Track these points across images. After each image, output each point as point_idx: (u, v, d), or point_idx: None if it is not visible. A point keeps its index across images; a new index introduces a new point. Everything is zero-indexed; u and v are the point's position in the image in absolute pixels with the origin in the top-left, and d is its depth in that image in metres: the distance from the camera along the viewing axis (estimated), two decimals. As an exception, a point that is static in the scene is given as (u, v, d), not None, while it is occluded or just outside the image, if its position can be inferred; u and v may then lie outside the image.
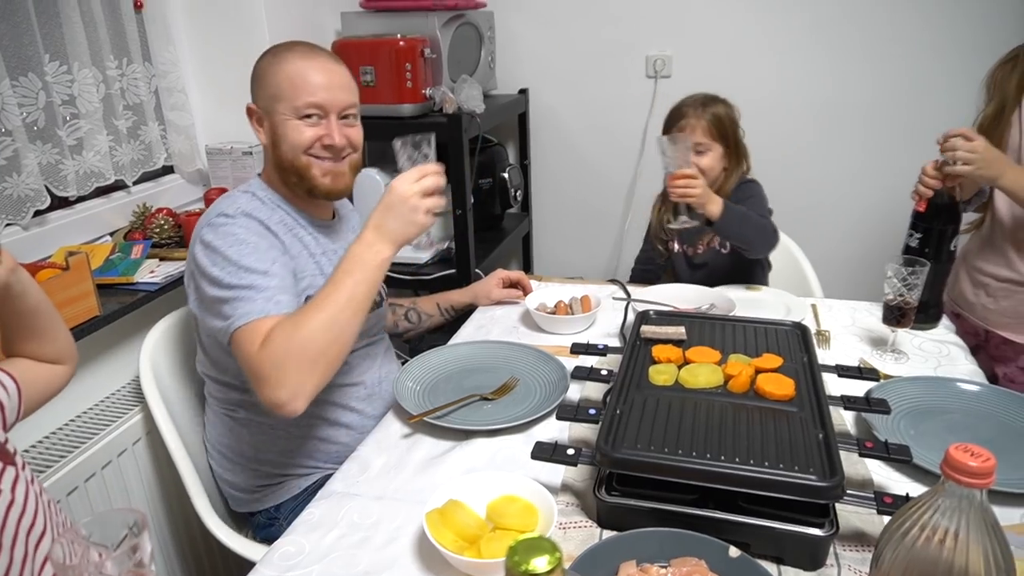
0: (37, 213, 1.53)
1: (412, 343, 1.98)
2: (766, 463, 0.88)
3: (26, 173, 1.48)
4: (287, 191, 1.32)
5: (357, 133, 1.32)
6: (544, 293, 1.63)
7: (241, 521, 1.45)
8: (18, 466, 0.72)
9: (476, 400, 1.25)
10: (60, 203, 1.63)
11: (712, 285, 1.64)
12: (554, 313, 1.54)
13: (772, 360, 1.12)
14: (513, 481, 0.97)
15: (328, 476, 1.24)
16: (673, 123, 1.70)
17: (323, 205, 1.37)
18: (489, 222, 2.43)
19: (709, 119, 1.66)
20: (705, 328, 1.27)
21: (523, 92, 2.59)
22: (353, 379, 1.37)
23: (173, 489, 1.56)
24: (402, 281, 2.10)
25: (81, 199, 1.68)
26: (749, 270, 1.76)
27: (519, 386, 1.29)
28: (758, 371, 1.10)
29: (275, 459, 1.34)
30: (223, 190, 1.81)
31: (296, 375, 1.08)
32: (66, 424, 1.44)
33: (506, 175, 2.38)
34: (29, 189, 1.49)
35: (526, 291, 1.69)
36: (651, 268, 1.93)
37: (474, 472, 1.06)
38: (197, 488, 1.36)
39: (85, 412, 1.48)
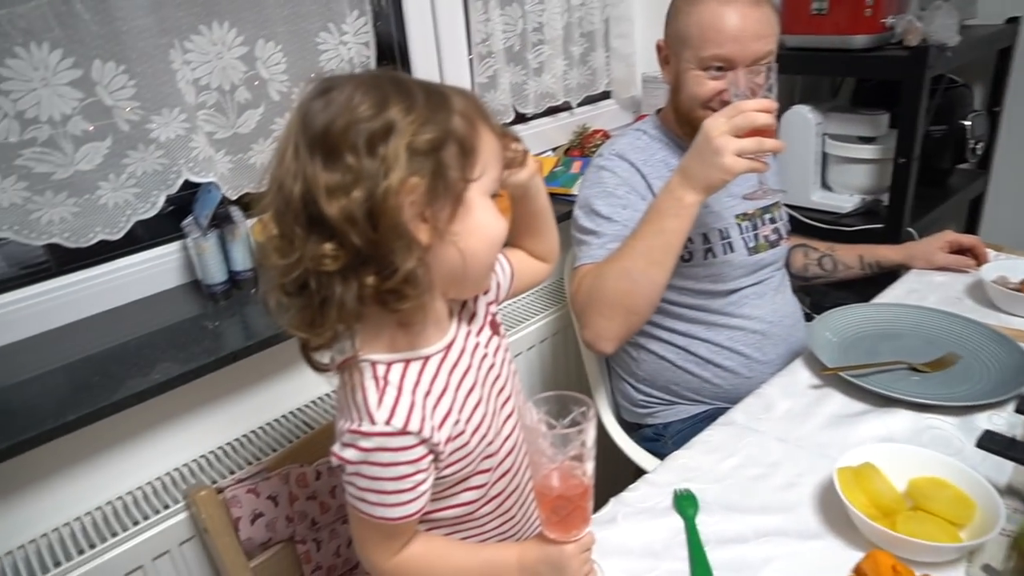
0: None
1: (813, 295, 1.85)
2: None
3: (500, 91, 1.72)
4: (680, 129, 1.30)
5: (768, 79, 1.22)
6: (1005, 265, 1.36)
7: (628, 430, 1.55)
8: (501, 335, 0.87)
9: (903, 368, 1.12)
10: (518, 119, 1.87)
11: None
12: (1018, 291, 1.28)
13: None
14: (946, 465, 0.86)
15: (718, 410, 1.24)
16: None
17: None
18: (933, 176, 2.09)
19: None
20: None
21: (1012, 21, 2.13)
22: (739, 322, 1.33)
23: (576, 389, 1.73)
24: (816, 229, 1.96)
25: (535, 116, 1.90)
26: None
27: (959, 363, 1.12)
28: None
29: (663, 386, 1.39)
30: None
31: (596, 319, 1.16)
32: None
33: (967, 123, 2.01)
34: (500, 104, 1.73)
35: (980, 260, 1.43)
36: None
37: (892, 443, 0.96)
38: (601, 396, 1.49)
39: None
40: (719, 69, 1.18)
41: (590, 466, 0.72)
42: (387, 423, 0.68)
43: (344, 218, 0.61)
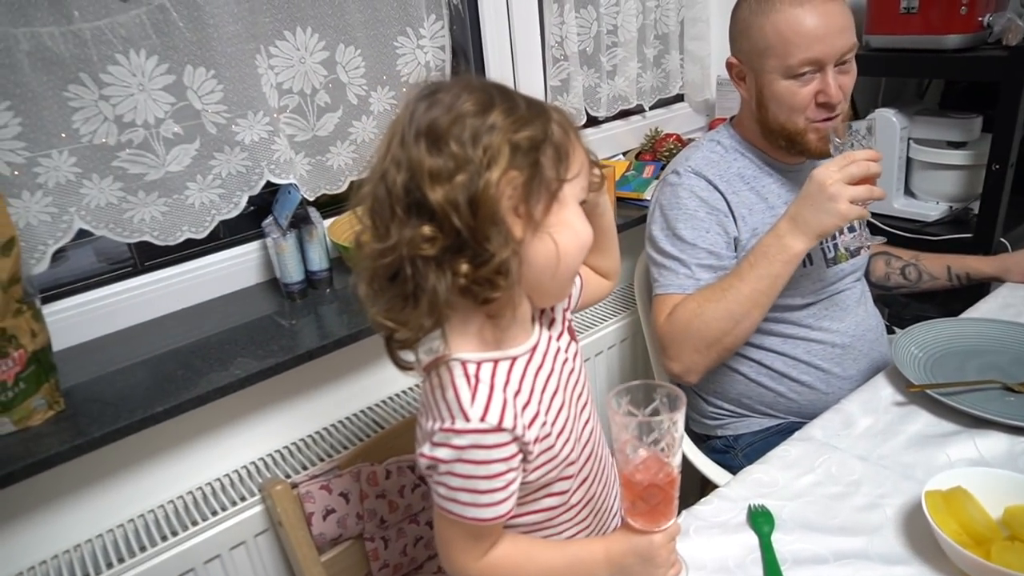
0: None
1: (892, 306, 1.77)
2: None
3: (572, 94, 1.71)
4: (761, 140, 1.26)
5: (851, 80, 1.18)
6: (1111, 280, 1.28)
7: (697, 441, 1.52)
8: (577, 342, 0.87)
9: (997, 387, 1.06)
10: (589, 122, 1.85)
11: None
12: None
13: None
14: (1047, 493, 0.81)
15: (791, 424, 1.20)
16: None
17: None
18: (1029, 184, 1.98)
19: None
20: None
21: (1120, 21, 1.99)
22: (818, 335, 1.28)
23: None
24: (899, 238, 1.87)
25: (607, 120, 1.88)
26: None
27: (1059, 385, 1.05)
28: None
29: (735, 399, 1.36)
30: (723, 120, 1.84)
31: (690, 354, 1.17)
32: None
33: (1069, 127, 1.89)
34: (572, 107, 1.72)
35: (1083, 274, 1.35)
36: None
37: (984, 467, 0.91)
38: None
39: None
40: (809, 75, 1.15)
41: (678, 455, 0.73)
42: (481, 419, 0.68)
43: (446, 202, 0.63)
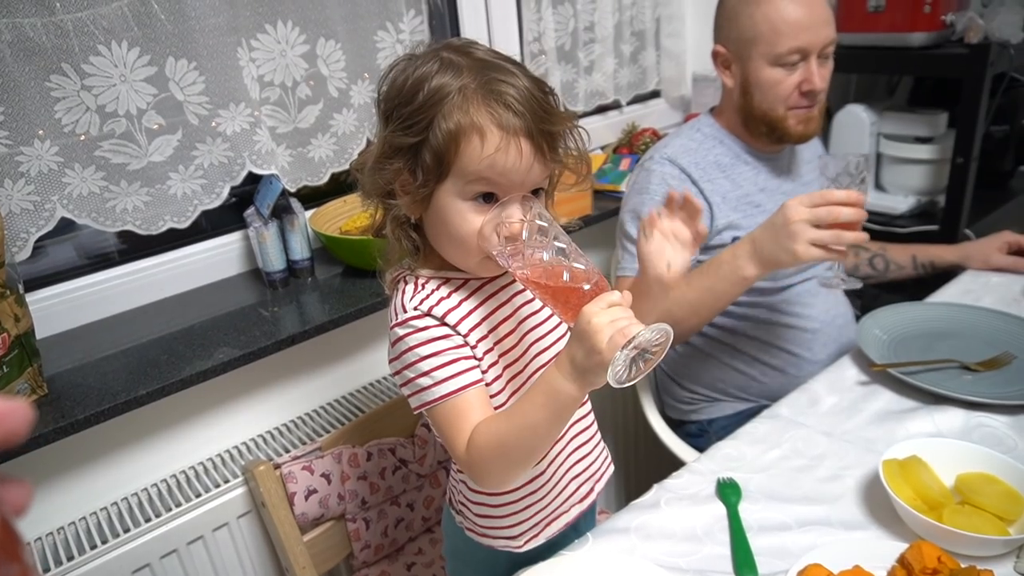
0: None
1: (864, 296, 1.82)
2: None
3: (550, 88, 1.74)
4: (741, 129, 1.30)
5: (830, 71, 1.23)
6: (1066, 266, 1.33)
7: (673, 426, 1.55)
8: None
9: (955, 366, 1.10)
10: (568, 117, 1.89)
11: None
12: (1079, 291, 1.24)
13: None
14: (997, 461, 0.85)
15: (764, 407, 1.24)
16: None
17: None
18: (992, 177, 2.04)
19: None
20: None
21: (1078, 20, 2.06)
22: (790, 320, 1.33)
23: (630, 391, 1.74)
24: (868, 230, 1.92)
25: (584, 115, 1.92)
26: None
27: (1014, 363, 1.10)
28: None
29: (709, 383, 1.39)
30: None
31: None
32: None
33: (1030, 123, 1.95)
34: (550, 102, 1.76)
35: (1039, 261, 1.40)
36: None
37: (940, 438, 0.95)
38: (646, 392, 1.50)
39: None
40: (794, 63, 1.19)
41: (562, 241, 0.72)
42: (415, 309, 0.77)
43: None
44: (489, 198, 0.74)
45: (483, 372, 0.80)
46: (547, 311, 0.87)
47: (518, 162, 0.72)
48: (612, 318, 0.65)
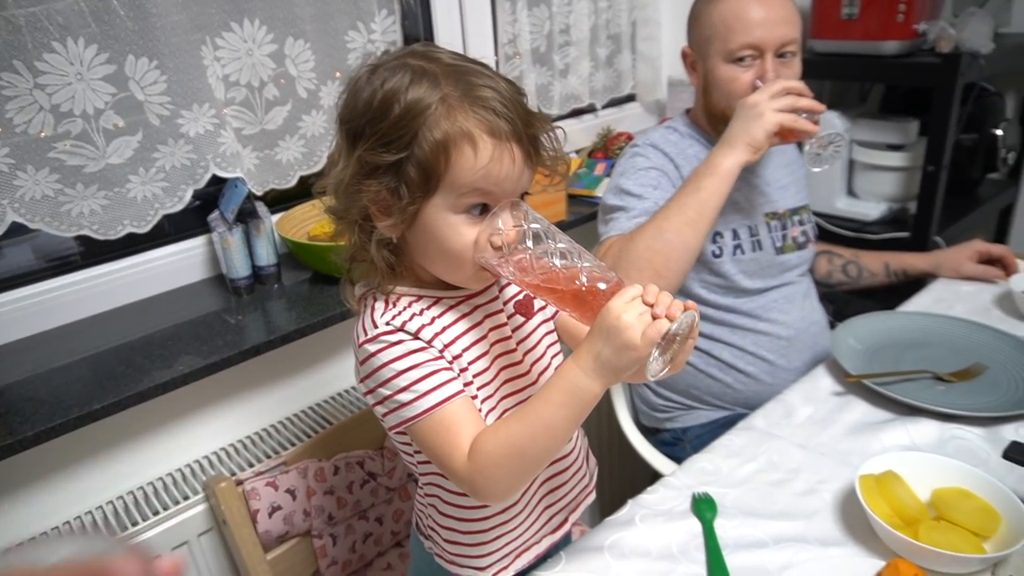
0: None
1: (836, 302, 1.83)
2: None
3: (525, 92, 1.72)
4: (711, 130, 1.30)
5: (794, 74, 1.21)
6: (1035, 276, 1.34)
7: (647, 434, 1.54)
8: (528, 318, 0.87)
9: (927, 377, 1.10)
10: (542, 121, 1.87)
11: None
12: (1048, 301, 1.25)
13: None
14: (971, 475, 0.85)
15: (738, 415, 1.23)
16: None
17: None
18: (962, 185, 2.06)
19: None
20: None
21: (1046, 31, 2.09)
22: (765, 326, 1.32)
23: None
24: (841, 237, 1.93)
25: (559, 118, 1.90)
26: None
27: (986, 374, 1.10)
28: None
29: (684, 390, 1.38)
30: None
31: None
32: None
33: (999, 132, 1.98)
34: (525, 106, 1.73)
35: (1009, 270, 1.41)
36: None
37: (916, 452, 0.94)
38: (620, 400, 1.48)
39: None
40: (748, 58, 1.18)
41: (562, 242, 0.70)
42: (387, 324, 0.73)
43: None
44: (481, 209, 0.71)
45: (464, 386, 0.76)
46: (525, 328, 0.85)
47: (512, 169, 0.69)
48: (640, 311, 0.65)
